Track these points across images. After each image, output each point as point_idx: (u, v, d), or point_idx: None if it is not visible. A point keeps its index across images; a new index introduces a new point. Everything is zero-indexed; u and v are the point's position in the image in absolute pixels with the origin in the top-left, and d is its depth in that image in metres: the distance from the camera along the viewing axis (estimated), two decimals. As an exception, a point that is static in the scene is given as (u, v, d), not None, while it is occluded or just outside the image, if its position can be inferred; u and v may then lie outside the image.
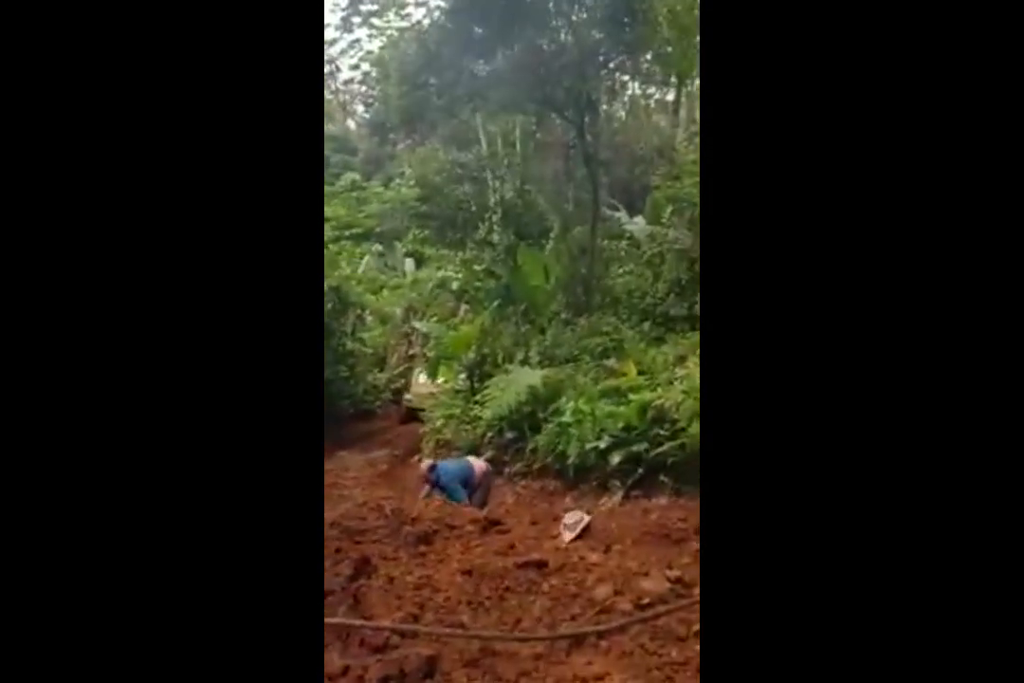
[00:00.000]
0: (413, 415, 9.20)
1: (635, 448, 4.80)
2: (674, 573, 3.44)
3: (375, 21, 17.45)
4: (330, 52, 19.43)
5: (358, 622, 3.04)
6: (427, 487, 5.30)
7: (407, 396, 9.70)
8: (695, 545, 3.89)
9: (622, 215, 10.32)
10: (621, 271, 9.36)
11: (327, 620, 3.02)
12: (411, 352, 10.63)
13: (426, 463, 5.49)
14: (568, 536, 4.35)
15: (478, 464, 5.44)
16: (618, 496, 4.74)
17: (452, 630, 3.08)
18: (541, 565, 3.75)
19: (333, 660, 2.77)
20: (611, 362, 6.18)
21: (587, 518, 4.43)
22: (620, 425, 4.95)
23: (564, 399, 5.56)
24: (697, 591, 3.12)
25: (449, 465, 5.38)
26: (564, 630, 3.14)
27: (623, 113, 13.61)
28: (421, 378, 9.79)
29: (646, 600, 3.21)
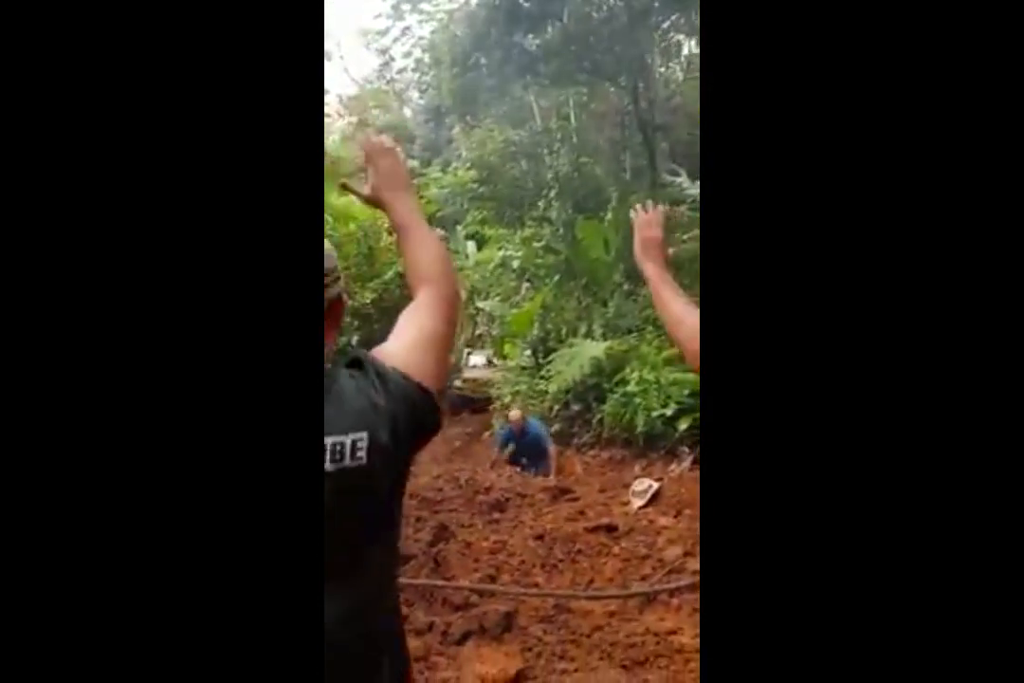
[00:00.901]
0: (467, 402, 8.84)
1: (703, 414, 4.77)
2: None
3: (424, 6, 17.50)
4: (383, 42, 19.63)
5: (439, 582, 3.24)
6: (506, 433, 5.46)
7: (456, 383, 9.14)
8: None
9: (683, 180, 10.03)
10: (685, 237, 9.13)
11: (410, 581, 3.24)
12: (477, 332, 10.81)
13: (516, 413, 5.58)
14: (638, 503, 4.41)
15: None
16: (687, 462, 4.74)
17: (526, 589, 3.24)
18: (611, 529, 3.84)
19: (419, 617, 2.98)
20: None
21: (656, 485, 4.47)
22: (686, 391, 4.93)
23: (628, 369, 5.58)
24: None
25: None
26: (636, 589, 3.24)
27: (680, 74, 13.14)
28: (472, 359, 9.60)
29: (716, 560, 3.24)
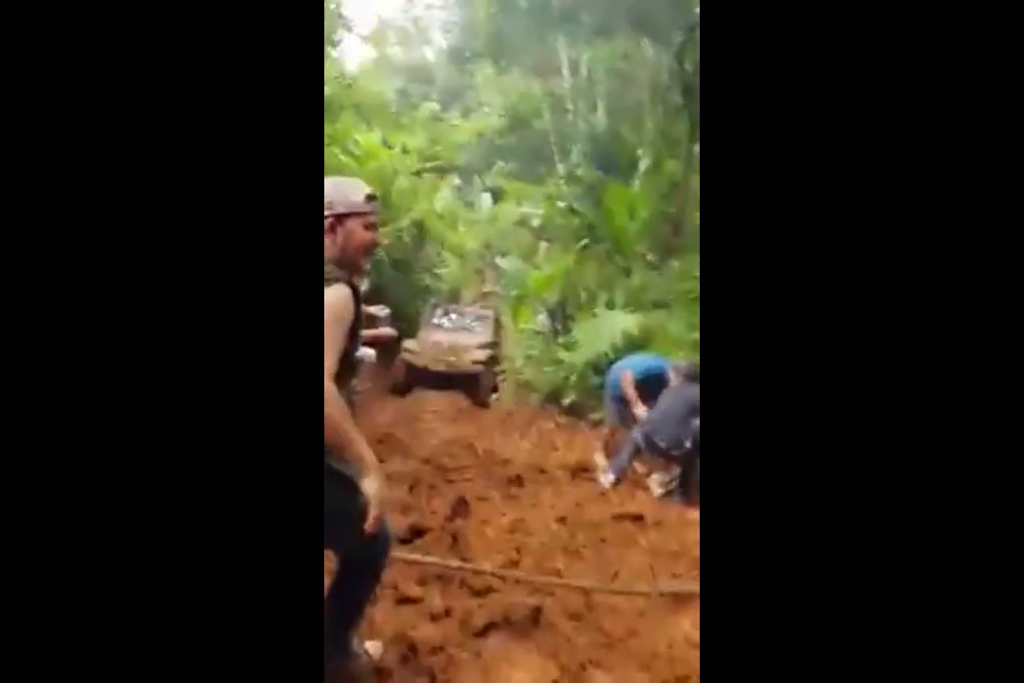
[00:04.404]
0: (419, 377, 6.47)
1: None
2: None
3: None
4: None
5: (455, 563, 2.98)
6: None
7: (407, 344, 6.77)
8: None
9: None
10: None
11: (426, 559, 2.97)
12: (484, 289, 10.44)
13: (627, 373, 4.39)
14: (658, 492, 4.18)
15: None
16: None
17: (548, 578, 2.99)
18: (638, 518, 3.60)
19: (435, 598, 2.72)
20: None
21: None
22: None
23: (655, 347, 5.28)
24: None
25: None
26: (666, 587, 3.01)
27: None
28: (438, 319, 7.40)
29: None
